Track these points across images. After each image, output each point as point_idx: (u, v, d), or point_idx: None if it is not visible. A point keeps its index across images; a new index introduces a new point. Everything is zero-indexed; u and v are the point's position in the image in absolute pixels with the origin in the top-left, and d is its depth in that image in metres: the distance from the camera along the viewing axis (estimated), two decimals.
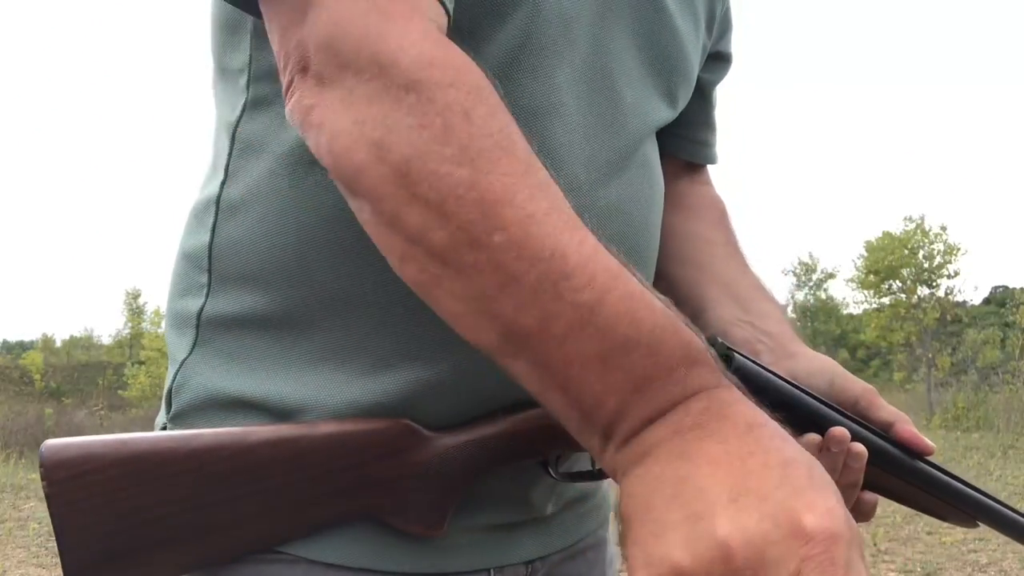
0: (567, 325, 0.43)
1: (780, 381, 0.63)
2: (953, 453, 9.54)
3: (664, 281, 0.77)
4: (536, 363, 0.45)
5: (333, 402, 0.59)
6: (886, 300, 19.09)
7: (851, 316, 24.18)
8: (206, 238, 0.64)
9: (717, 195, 0.84)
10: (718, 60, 0.80)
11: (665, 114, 0.70)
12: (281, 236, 0.60)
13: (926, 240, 18.38)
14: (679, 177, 0.81)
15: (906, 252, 18.23)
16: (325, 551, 0.60)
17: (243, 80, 0.62)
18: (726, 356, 0.59)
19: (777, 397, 0.61)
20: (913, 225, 18.74)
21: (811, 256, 24.73)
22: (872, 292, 19.46)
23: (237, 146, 0.62)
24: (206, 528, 0.56)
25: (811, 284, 24.63)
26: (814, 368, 0.70)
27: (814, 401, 0.64)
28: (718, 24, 0.77)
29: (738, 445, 0.41)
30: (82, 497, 0.53)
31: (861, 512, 0.67)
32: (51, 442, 0.54)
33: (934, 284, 18.20)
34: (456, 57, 0.48)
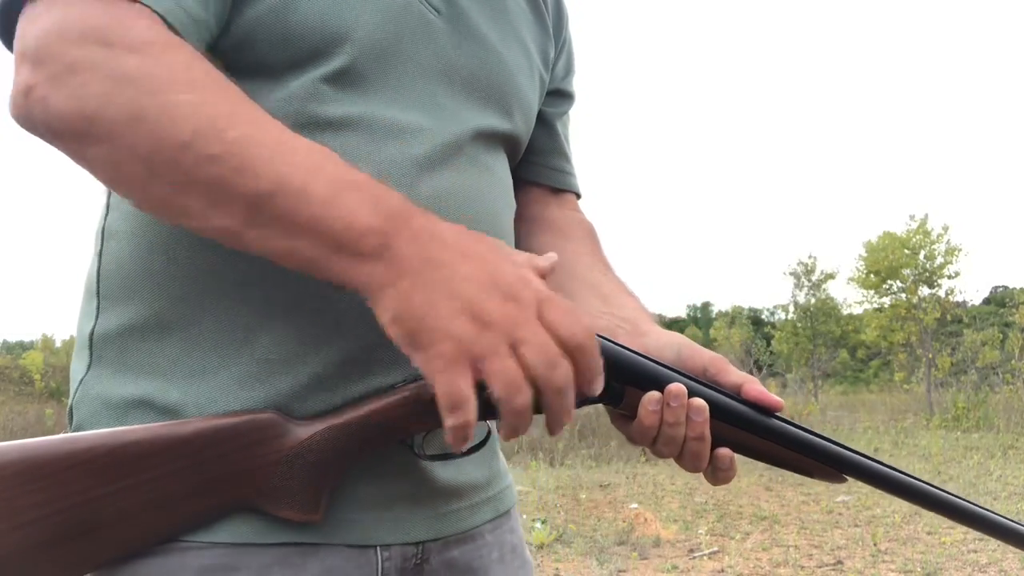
0: (302, 178, 0.56)
1: (621, 349, 0.70)
2: (953, 453, 9.53)
3: None
4: (282, 217, 0.56)
5: (211, 401, 0.65)
6: (886, 300, 19.05)
7: (851, 316, 24.14)
8: (96, 265, 0.72)
9: (585, 219, 0.96)
10: (559, 96, 0.94)
11: (498, 123, 0.80)
12: (149, 251, 0.68)
13: (927, 240, 18.33)
14: (548, 205, 0.93)
15: (907, 253, 18.18)
16: (209, 531, 0.64)
17: None
18: None
19: (619, 363, 0.68)
20: (915, 225, 18.69)
21: (810, 256, 24.65)
22: (873, 292, 19.42)
23: None
24: (95, 523, 0.60)
25: (811, 284, 24.52)
26: (663, 343, 0.76)
27: (655, 364, 0.70)
28: (560, 65, 0.93)
29: (463, 250, 0.58)
30: None
31: (718, 469, 0.71)
32: None
33: (935, 284, 18.16)
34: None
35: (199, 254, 0.66)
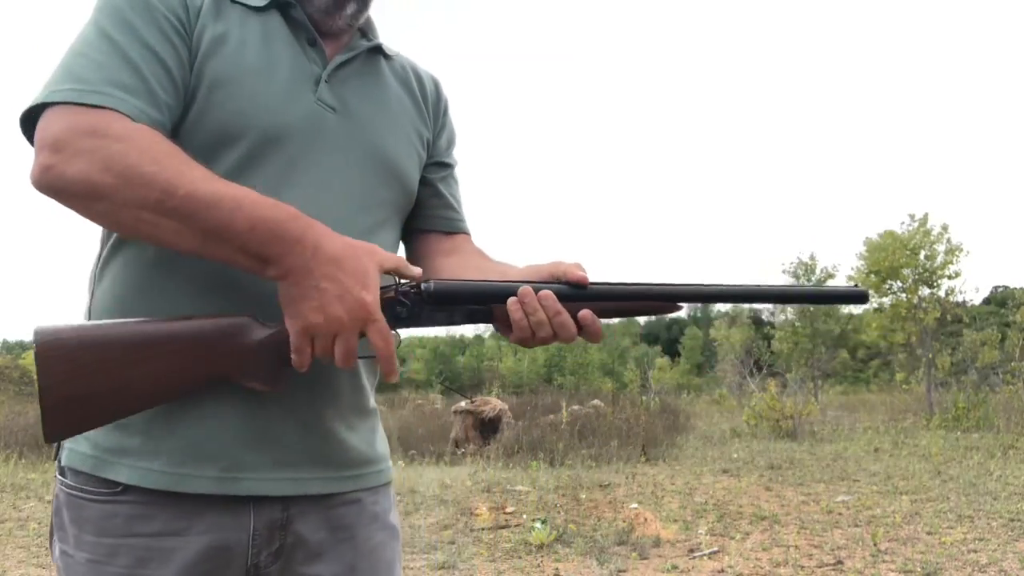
0: (229, 217, 0.86)
1: (479, 282, 0.99)
2: (953, 453, 9.53)
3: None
4: (221, 242, 0.87)
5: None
6: (887, 300, 19.01)
7: (851, 316, 24.10)
8: (88, 302, 1.02)
9: (473, 244, 1.24)
10: (441, 166, 1.22)
11: (385, 193, 1.09)
12: (126, 293, 0.98)
13: (928, 240, 18.29)
14: (443, 243, 1.21)
15: (908, 252, 18.13)
16: (132, 476, 0.94)
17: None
18: (418, 285, 0.97)
19: (470, 293, 0.98)
20: (916, 224, 18.64)
21: (811, 256, 24.54)
22: (873, 291, 19.37)
23: (108, 241, 1.02)
24: (128, 381, 0.89)
25: (810, 284, 24.40)
26: (536, 269, 1.03)
27: (504, 283, 0.99)
28: (441, 142, 1.22)
29: (332, 267, 0.88)
30: (55, 357, 0.86)
31: (588, 332, 0.98)
32: (40, 327, 0.87)
33: (935, 284, 18.12)
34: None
35: (160, 294, 0.96)
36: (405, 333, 1.00)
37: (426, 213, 1.20)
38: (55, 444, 0.98)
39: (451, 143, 1.25)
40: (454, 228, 1.22)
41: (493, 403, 10.96)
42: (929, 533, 5.21)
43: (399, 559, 1.12)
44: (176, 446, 0.95)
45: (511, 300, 0.96)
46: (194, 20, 0.99)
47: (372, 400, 1.11)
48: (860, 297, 1.07)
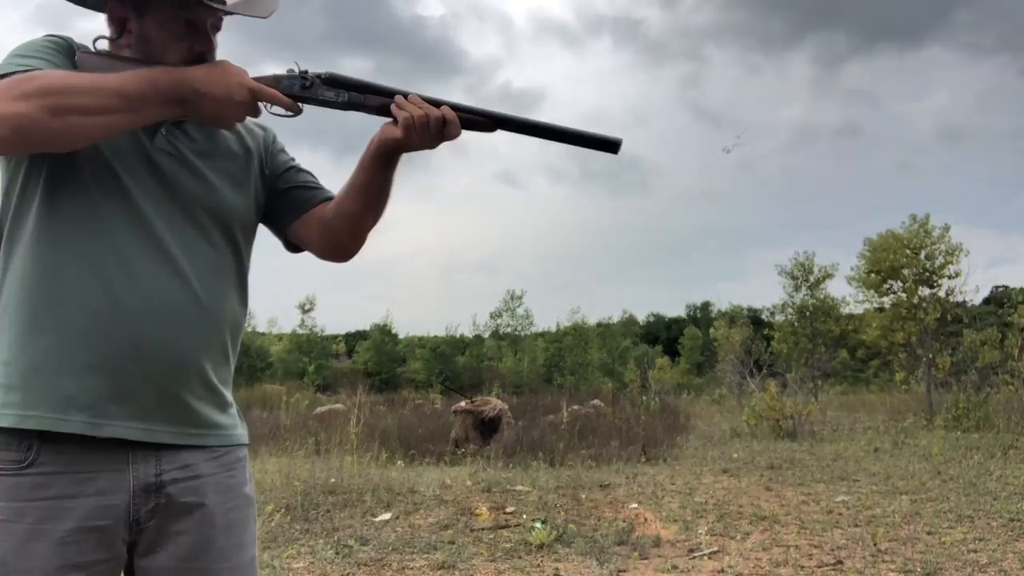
0: (139, 84, 1.21)
1: (354, 77, 1.32)
2: (953, 453, 9.52)
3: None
4: (148, 99, 1.22)
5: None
6: (887, 300, 19.00)
7: (851, 316, 24.07)
8: None
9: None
10: (284, 172, 1.55)
11: (211, 225, 1.38)
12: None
13: (928, 240, 18.29)
14: (326, 207, 1.52)
15: (908, 252, 18.13)
16: (13, 421, 1.20)
17: None
18: (305, 73, 1.34)
19: (353, 82, 1.32)
20: (916, 225, 18.65)
21: (808, 256, 24.52)
22: (874, 291, 19.37)
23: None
24: None
25: (809, 284, 24.38)
26: None
27: (384, 85, 1.32)
28: (275, 164, 1.54)
29: (211, 78, 1.28)
30: None
31: (449, 122, 1.31)
32: None
33: (935, 284, 18.12)
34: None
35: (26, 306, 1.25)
36: (307, 110, 1.35)
37: (298, 202, 1.53)
38: None
39: (285, 156, 1.59)
40: (320, 199, 1.54)
41: (493, 403, 10.96)
42: (929, 533, 5.21)
43: (253, 520, 1.43)
44: (54, 397, 1.21)
45: (393, 105, 1.31)
46: None
47: (222, 389, 1.39)
48: (612, 145, 1.27)
